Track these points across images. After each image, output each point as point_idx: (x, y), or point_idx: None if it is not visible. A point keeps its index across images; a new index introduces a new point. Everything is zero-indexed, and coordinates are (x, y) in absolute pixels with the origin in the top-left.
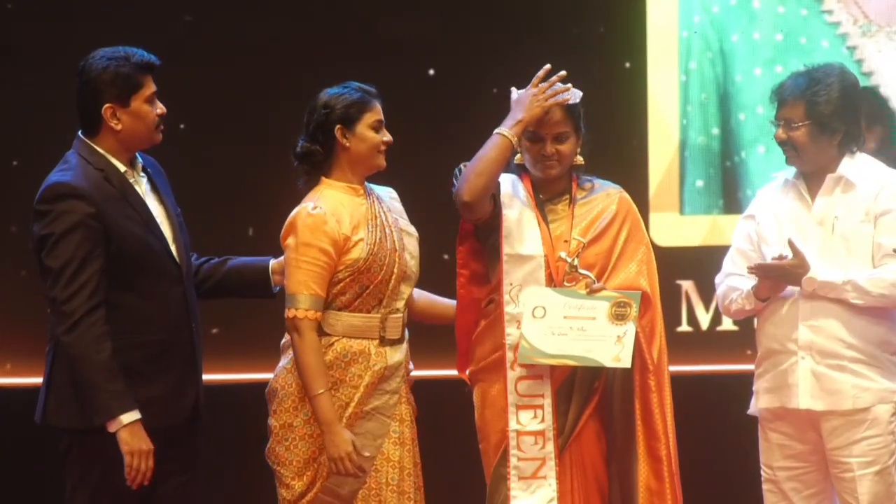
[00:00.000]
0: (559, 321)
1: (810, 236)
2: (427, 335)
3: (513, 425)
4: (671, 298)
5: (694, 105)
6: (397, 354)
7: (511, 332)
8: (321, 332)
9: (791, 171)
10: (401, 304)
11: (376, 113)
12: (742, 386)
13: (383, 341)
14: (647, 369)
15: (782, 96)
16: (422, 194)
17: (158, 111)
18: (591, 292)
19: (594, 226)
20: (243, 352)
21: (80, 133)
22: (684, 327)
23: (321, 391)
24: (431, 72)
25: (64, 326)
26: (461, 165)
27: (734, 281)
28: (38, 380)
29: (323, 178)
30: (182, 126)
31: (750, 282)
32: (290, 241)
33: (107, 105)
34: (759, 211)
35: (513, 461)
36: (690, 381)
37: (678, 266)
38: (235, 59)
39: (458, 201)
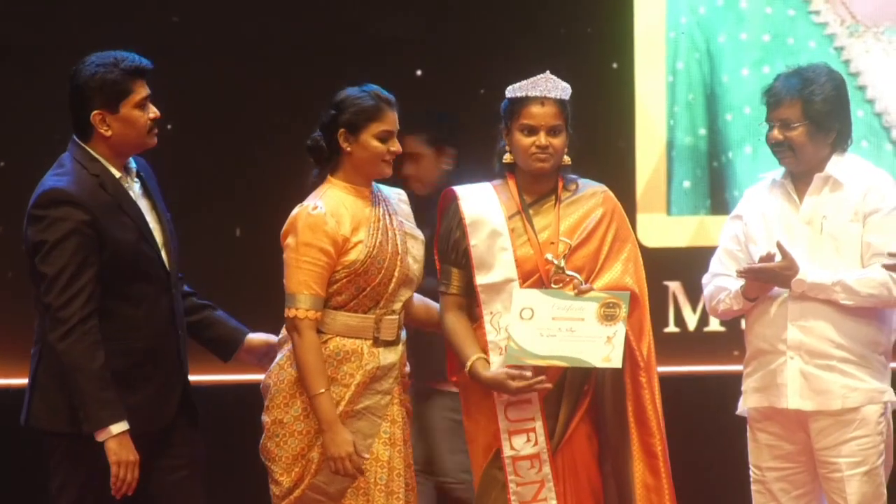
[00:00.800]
0: (547, 322)
1: (798, 236)
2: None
3: (507, 451)
4: (658, 299)
5: (681, 105)
6: (391, 355)
7: (494, 360)
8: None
9: (779, 171)
10: (398, 307)
11: (385, 123)
12: (729, 386)
13: (377, 342)
14: (637, 366)
15: (776, 97)
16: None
17: (151, 115)
18: (580, 293)
19: (581, 227)
20: None
21: (74, 136)
22: (671, 328)
23: (322, 390)
24: (419, 72)
25: (58, 333)
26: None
27: (722, 281)
28: (24, 381)
29: (329, 177)
30: (169, 126)
31: (738, 282)
32: (291, 240)
33: (95, 112)
34: (746, 211)
35: (511, 487)
36: (678, 381)
37: (665, 267)
38: (224, 60)
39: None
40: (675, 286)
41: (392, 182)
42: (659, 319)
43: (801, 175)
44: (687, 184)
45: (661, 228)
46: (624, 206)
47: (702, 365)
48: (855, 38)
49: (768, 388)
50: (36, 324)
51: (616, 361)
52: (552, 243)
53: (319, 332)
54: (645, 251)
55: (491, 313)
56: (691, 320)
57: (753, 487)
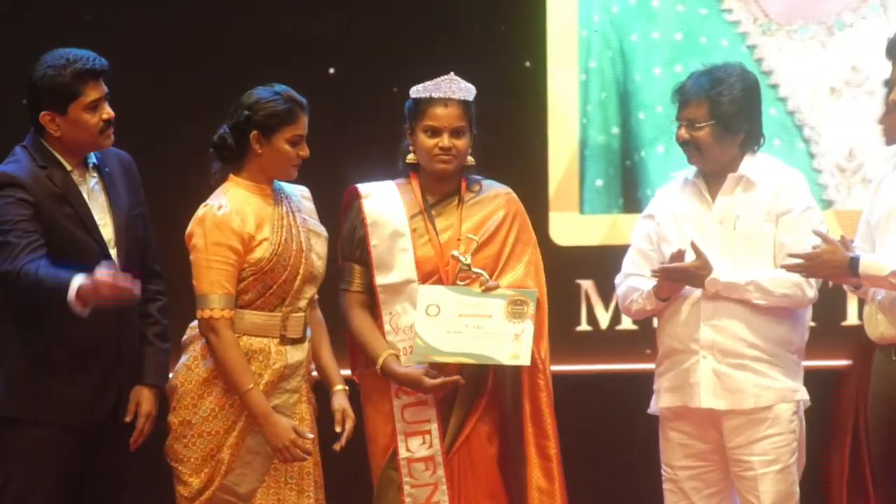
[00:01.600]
0: (454, 319)
1: (711, 236)
2: None
3: (403, 453)
4: (571, 298)
5: (594, 104)
6: (298, 353)
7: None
8: None
9: (691, 170)
10: (304, 304)
11: (297, 128)
12: (642, 385)
13: (284, 340)
14: (536, 368)
15: (685, 96)
16: (320, 193)
17: (104, 116)
18: (486, 290)
19: (483, 228)
20: None
21: (32, 129)
22: (584, 326)
23: (250, 386)
24: (332, 70)
25: (3, 260)
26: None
27: (634, 281)
28: None
29: (231, 176)
30: None
31: (650, 282)
32: (199, 241)
33: (44, 112)
34: (658, 210)
35: (406, 488)
36: (590, 379)
37: (578, 265)
38: (136, 59)
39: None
40: (587, 285)
41: None
42: (571, 318)
43: (713, 174)
44: (599, 182)
45: (574, 227)
46: (536, 205)
47: (614, 363)
48: (767, 37)
49: (681, 388)
50: None
51: (524, 359)
52: (458, 240)
53: None
54: (557, 250)
55: (390, 314)
56: (604, 318)
57: (665, 486)
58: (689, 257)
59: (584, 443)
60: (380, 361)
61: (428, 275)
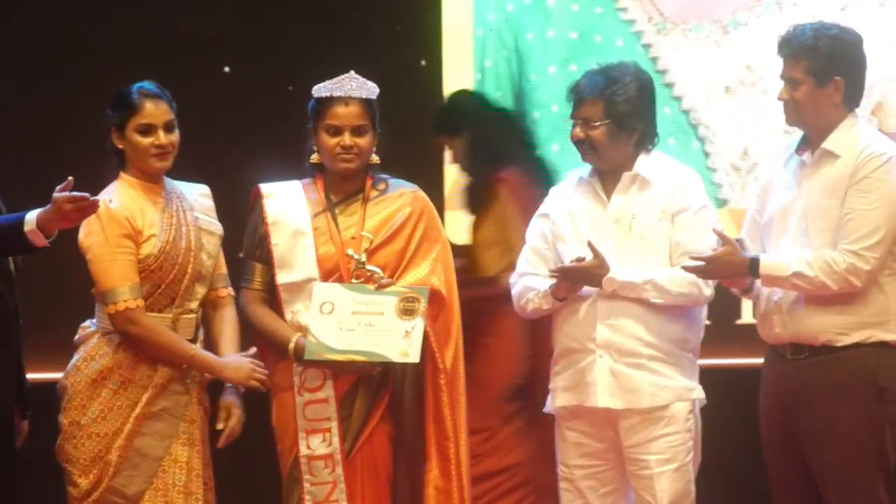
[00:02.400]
0: (347, 317)
1: (607, 235)
2: None
3: (303, 451)
4: None
5: None
6: None
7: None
8: (109, 329)
9: (586, 168)
10: (195, 305)
11: (143, 116)
12: None
13: None
14: (438, 369)
15: (580, 95)
16: (216, 190)
17: None
18: (380, 287)
19: (387, 226)
20: None
21: None
22: None
23: (193, 352)
24: (227, 69)
25: None
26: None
27: (530, 280)
28: None
29: (120, 174)
30: None
31: (546, 281)
32: (98, 237)
33: None
34: (553, 209)
35: (306, 486)
36: None
37: None
38: (32, 60)
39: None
40: None
41: None
42: None
43: (607, 173)
44: None
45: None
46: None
47: None
48: (662, 36)
49: (577, 387)
50: None
51: (413, 356)
52: (354, 238)
53: (115, 332)
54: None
55: (292, 312)
56: None
57: (561, 486)
58: (587, 257)
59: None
60: (292, 343)
61: (329, 273)
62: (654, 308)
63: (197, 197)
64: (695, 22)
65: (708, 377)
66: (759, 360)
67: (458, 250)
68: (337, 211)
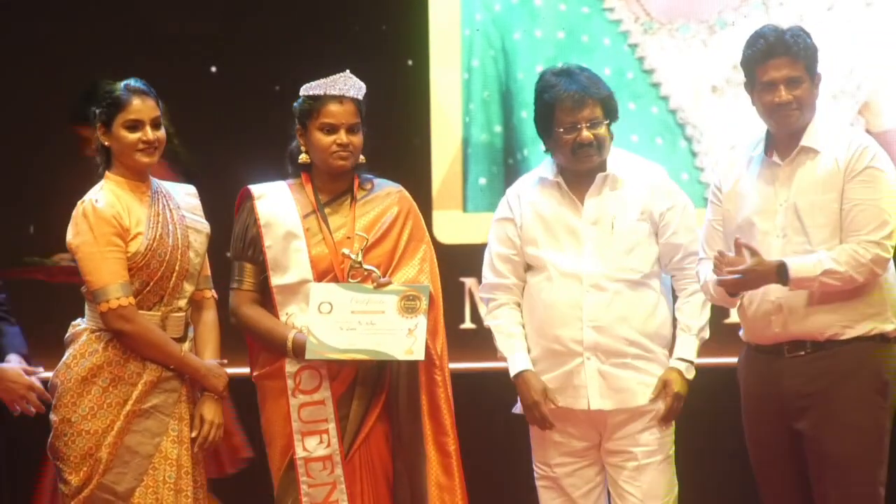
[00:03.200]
0: (347, 316)
1: (586, 237)
2: None
3: (300, 453)
4: (455, 296)
5: (476, 103)
6: None
7: (291, 360)
8: (99, 327)
9: (546, 169)
10: (183, 303)
11: (131, 112)
12: None
13: None
14: (433, 364)
15: (580, 98)
16: (202, 191)
17: None
18: (378, 286)
19: (377, 226)
20: None
21: None
22: (467, 324)
23: (181, 352)
24: (213, 69)
25: None
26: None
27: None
28: None
29: (106, 173)
30: None
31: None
32: (87, 236)
33: None
34: (519, 213)
35: (304, 488)
36: (474, 377)
37: (461, 263)
38: (16, 59)
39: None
40: (471, 282)
41: None
42: (455, 316)
43: (574, 173)
44: (483, 181)
45: (458, 225)
46: (420, 203)
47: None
48: (649, 36)
49: (566, 390)
50: None
51: (418, 353)
52: (348, 238)
53: (103, 329)
54: (441, 248)
55: (287, 314)
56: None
57: (540, 483)
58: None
59: (469, 440)
60: (290, 339)
61: (323, 273)
62: (633, 306)
63: (183, 196)
64: (681, 22)
65: (697, 376)
66: None
67: None
68: (327, 211)
